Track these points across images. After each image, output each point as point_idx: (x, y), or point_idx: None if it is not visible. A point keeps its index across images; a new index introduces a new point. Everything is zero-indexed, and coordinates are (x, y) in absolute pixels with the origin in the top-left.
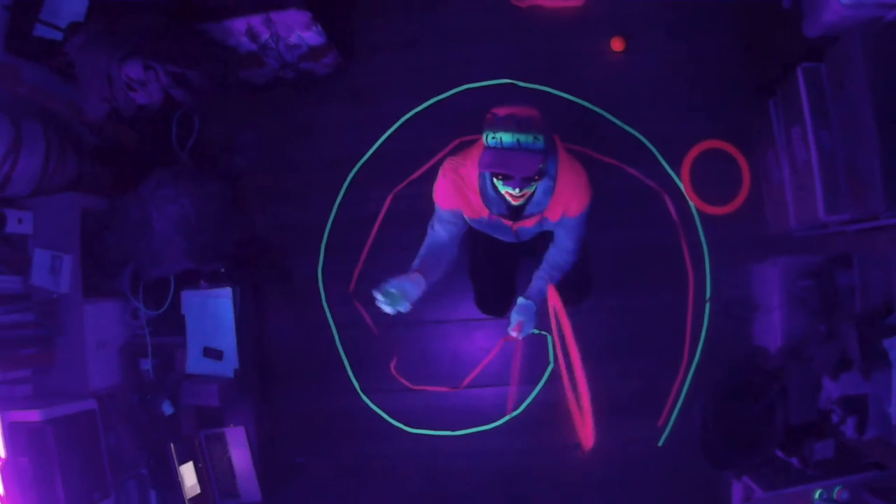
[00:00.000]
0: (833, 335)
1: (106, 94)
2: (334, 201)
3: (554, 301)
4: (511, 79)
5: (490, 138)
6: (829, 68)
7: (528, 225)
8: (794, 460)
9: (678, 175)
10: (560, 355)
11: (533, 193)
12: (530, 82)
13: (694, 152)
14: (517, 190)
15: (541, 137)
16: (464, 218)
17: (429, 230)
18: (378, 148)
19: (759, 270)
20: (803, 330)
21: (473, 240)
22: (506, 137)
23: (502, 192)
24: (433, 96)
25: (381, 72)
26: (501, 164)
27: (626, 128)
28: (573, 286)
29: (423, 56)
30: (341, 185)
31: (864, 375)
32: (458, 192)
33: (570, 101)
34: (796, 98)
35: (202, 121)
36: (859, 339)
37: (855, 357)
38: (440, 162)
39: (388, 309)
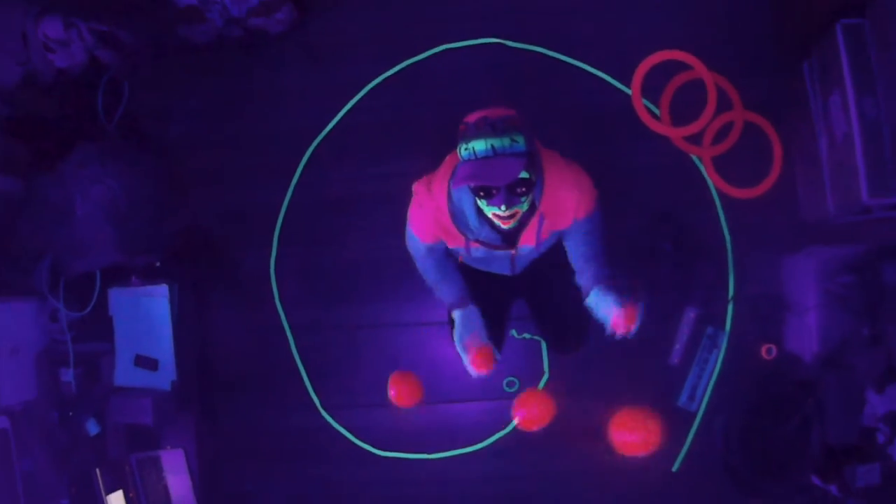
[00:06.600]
0: (878, 340)
1: (20, 57)
2: (289, 183)
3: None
4: (498, 37)
5: (463, 150)
6: (872, 24)
7: (530, 243)
8: (833, 488)
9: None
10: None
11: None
12: (521, 42)
13: (715, 125)
14: (504, 208)
15: (520, 138)
16: (449, 249)
17: (416, 263)
18: (341, 119)
19: (792, 264)
20: (843, 334)
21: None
22: (479, 145)
23: (489, 214)
24: (406, 58)
25: (345, 30)
26: (477, 175)
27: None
28: (571, 330)
29: (394, 11)
30: (298, 164)
31: None
32: (437, 222)
33: (567, 63)
34: (835, 60)
35: (133, 87)
36: None
37: None
38: (418, 138)
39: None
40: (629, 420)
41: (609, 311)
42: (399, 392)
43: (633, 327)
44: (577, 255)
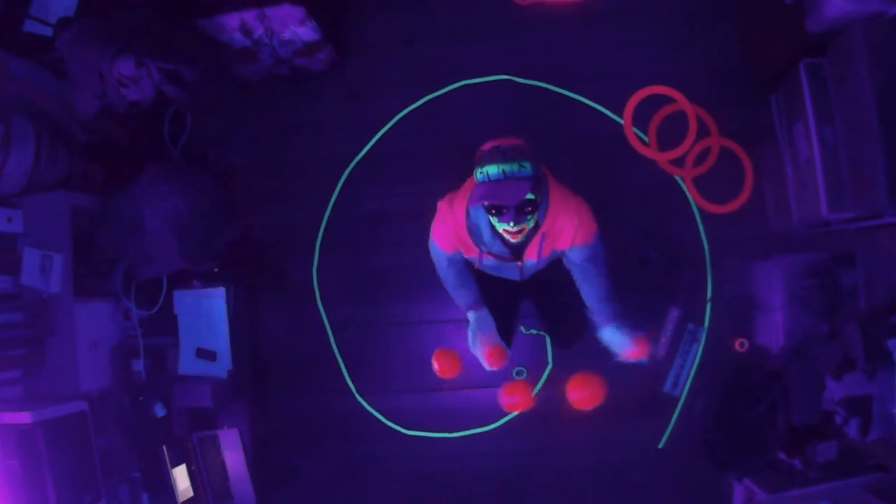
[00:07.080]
0: (836, 335)
1: (97, 91)
2: (329, 200)
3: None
4: (508, 74)
5: (479, 174)
6: (831, 64)
7: (532, 258)
8: (797, 462)
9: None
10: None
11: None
12: (528, 78)
13: (696, 150)
14: (512, 224)
15: (527, 164)
16: (465, 258)
17: (438, 270)
18: (374, 145)
19: (762, 269)
20: (806, 330)
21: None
22: (492, 170)
23: (500, 230)
24: (429, 93)
25: (377, 68)
26: (490, 195)
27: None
28: (570, 327)
29: (419, 52)
30: (336, 184)
31: (868, 376)
32: (457, 235)
33: (568, 97)
34: (798, 94)
35: (195, 118)
36: (863, 338)
37: (858, 357)
38: (439, 162)
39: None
40: (581, 381)
41: (625, 345)
42: (442, 366)
43: (645, 356)
44: (587, 292)
